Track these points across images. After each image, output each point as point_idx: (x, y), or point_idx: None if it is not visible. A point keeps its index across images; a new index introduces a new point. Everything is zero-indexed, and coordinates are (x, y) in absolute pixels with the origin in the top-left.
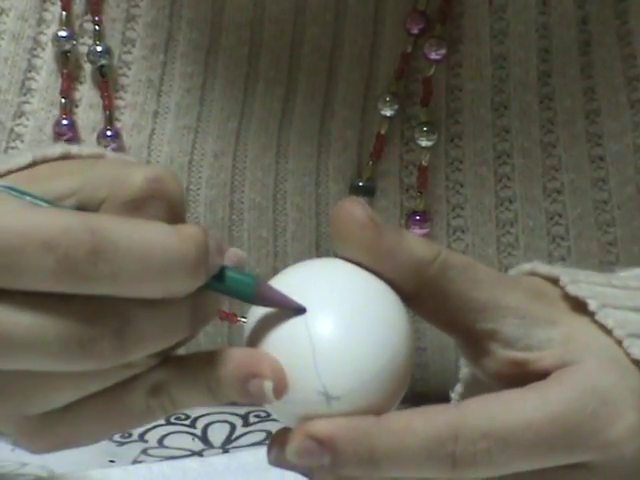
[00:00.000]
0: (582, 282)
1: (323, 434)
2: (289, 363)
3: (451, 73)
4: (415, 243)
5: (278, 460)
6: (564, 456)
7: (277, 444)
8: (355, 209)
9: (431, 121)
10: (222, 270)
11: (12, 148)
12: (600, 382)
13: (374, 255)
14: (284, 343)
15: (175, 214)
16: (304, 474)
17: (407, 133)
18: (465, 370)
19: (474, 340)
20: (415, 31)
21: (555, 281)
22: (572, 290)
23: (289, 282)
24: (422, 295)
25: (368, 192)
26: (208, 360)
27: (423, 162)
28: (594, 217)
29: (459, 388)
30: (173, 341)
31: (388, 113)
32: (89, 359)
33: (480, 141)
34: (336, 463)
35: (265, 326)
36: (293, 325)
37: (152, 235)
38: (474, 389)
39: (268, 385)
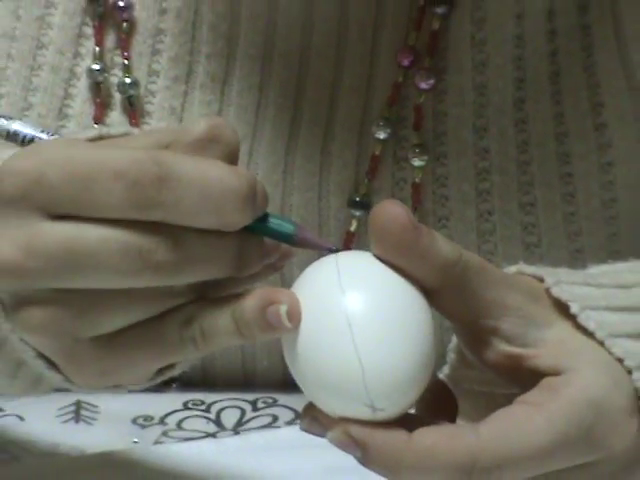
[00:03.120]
0: (564, 283)
1: (359, 439)
2: (338, 377)
3: (437, 100)
4: (443, 244)
5: (310, 429)
6: (565, 463)
7: (309, 416)
8: (397, 210)
9: (422, 143)
10: (265, 215)
11: None
12: (596, 394)
13: (410, 255)
14: (333, 359)
15: (231, 159)
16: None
17: (399, 154)
18: (452, 356)
19: (477, 333)
20: (406, 63)
21: (540, 279)
22: (555, 292)
23: (325, 280)
24: (442, 291)
25: (364, 206)
26: (234, 296)
27: (416, 180)
28: (564, 228)
29: (446, 370)
30: (220, 272)
31: (382, 136)
32: (146, 270)
33: (463, 160)
34: (365, 462)
35: (311, 342)
36: (341, 342)
37: (211, 169)
38: (459, 372)
39: (283, 308)
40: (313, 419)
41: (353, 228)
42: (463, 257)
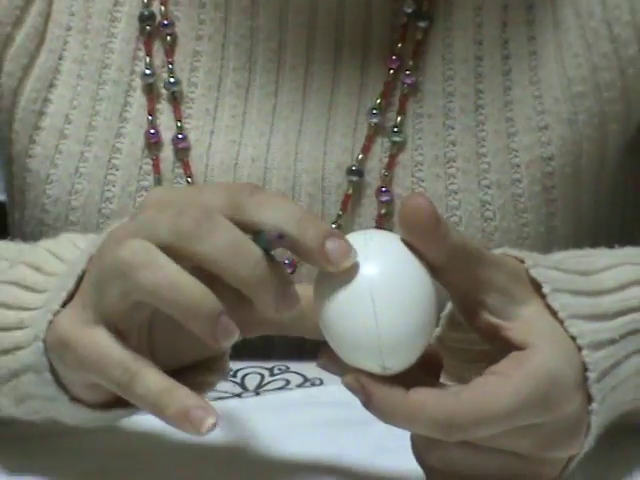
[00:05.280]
0: (540, 266)
1: (367, 388)
2: (360, 339)
3: (417, 105)
4: (454, 232)
5: (324, 368)
6: (525, 422)
7: (326, 357)
8: (424, 203)
9: (400, 125)
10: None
11: (114, 159)
12: (552, 367)
13: (430, 239)
14: (355, 323)
15: None
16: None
17: (386, 137)
18: (443, 321)
19: (469, 303)
20: (393, 66)
21: (521, 261)
22: (533, 273)
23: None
24: (446, 269)
25: (358, 173)
26: None
27: (392, 153)
28: (513, 205)
29: (437, 331)
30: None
31: (374, 120)
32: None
33: (435, 150)
34: (367, 406)
35: (335, 309)
36: (363, 313)
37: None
38: (447, 334)
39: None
40: (330, 360)
41: (350, 191)
42: (464, 241)
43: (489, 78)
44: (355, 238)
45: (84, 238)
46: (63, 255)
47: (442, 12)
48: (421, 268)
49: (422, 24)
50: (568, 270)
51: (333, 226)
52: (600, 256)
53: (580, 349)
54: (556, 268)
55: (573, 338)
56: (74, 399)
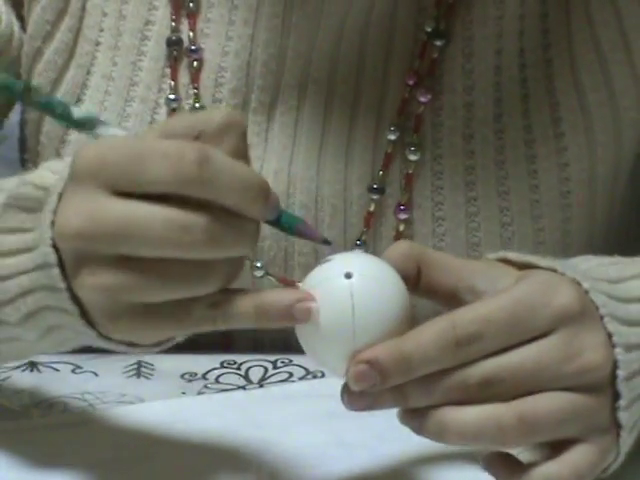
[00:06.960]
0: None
1: (369, 356)
2: (332, 348)
3: (435, 114)
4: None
5: (350, 403)
6: (525, 321)
7: (346, 393)
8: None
9: (418, 143)
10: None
11: None
12: (542, 277)
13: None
14: (332, 337)
15: (244, 139)
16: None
17: (404, 152)
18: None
19: (455, 298)
20: (411, 83)
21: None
22: (569, 274)
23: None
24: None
25: (380, 191)
26: (257, 293)
27: (409, 171)
28: (530, 211)
29: None
30: (242, 251)
31: (392, 138)
32: (187, 243)
33: (454, 159)
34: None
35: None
36: (341, 313)
37: (239, 163)
38: None
39: (307, 305)
40: (351, 397)
41: (372, 209)
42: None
43: (507, 88)
44: (340, 261)
45: (62, 162)
46: (44, 183)
47: (460, 27)
48: (402, 294)
49: (438, 42)
50: (599, 278)
51: (357, 242)
52: (627, 264)
53: (614, 346)
54: (588, 276)
55: (609, 335)
56: (101, 335)
